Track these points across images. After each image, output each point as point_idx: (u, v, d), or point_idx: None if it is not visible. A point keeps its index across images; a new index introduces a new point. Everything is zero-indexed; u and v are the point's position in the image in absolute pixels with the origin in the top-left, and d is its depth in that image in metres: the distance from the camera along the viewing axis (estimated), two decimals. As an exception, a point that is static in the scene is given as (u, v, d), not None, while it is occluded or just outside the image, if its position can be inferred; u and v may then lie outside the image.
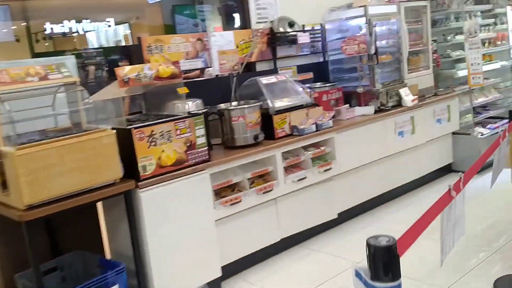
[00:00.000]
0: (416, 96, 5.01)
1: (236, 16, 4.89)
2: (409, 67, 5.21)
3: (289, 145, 3.96)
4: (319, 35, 5.10)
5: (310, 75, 4.74)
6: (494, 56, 6.28)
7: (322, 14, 5.08)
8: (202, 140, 3.42)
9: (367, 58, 4.76)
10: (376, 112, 4.72)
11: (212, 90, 4.15)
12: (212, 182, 3.48)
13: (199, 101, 3.77)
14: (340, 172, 4.35)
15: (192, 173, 3.34)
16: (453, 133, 5.64)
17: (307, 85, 4.63)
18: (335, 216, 4.41)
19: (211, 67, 4.33)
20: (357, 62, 4.98)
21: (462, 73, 5.68)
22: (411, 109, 4.96)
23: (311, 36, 4.89)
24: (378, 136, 4.70)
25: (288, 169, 4.02)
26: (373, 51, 4.66)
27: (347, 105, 4.66)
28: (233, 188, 3.71)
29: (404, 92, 4.96)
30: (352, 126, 4.45)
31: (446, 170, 5.69)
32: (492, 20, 6.24)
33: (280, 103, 4.07)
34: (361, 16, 4.76)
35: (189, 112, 3.51)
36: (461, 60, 5.82)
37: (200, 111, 3.58)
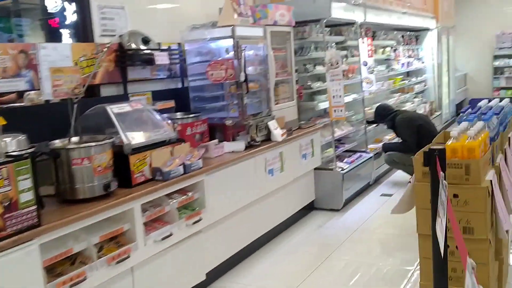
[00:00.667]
0: (285, 130, 4.54)
1: (65, 32, 3.83)
2: (275, 97, 4.73)
3: (151, 194, 3.05)
4: (178, 56, 4.31)
5: (171, 103, 3.90)
6: (346, 88, 6.23)
7: (181, 32, 4.31)
8: (28, 196, 2.32)
9: (236, 85, 4.12)
10: (246, 148, 4.08)
11: (41, 121, 3.04)
12: (42, 255, 2.39)
13: (22, 137, 2.65)
14: (210, 222, 3.57)
15: (12, 247, 2.22)
16: (315, 168, 5.33)
17: (166, 115, 3.79)
18: (203, 278, 3.60)
19: (38, 89, 3.20)
20: (222, 90, 4.31)
21: (323, 105, 5.44)
22: (280, 144, 4.46)
23: (169, 57, 4.08)
24: (249, 176, 4.07)
25: (149, 225, 3.10)
26: (242, 78, 4.04)
27: (216, 140, 3.93)
28: (74, 260, 2.65)
29: (273, 125, 4.45)
30: (223, 166, 3.72)
31: (309, 208, 5.34)
32: (345, 52, 6.21)
33: (138, 139, 3.15)
34: (228, 37, 4.11)
35: (6, 154, 2.39)
36: (321, 91, 5.60)
37: (25, 152, 2.48)
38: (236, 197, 3.87)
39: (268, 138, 4.41)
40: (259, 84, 4.46)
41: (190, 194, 3.41)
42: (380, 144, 6.45)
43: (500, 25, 11.82)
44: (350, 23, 6.06)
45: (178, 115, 3.97)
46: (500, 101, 4.11)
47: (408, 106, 8.44)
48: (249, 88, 4.15)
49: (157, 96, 3.91)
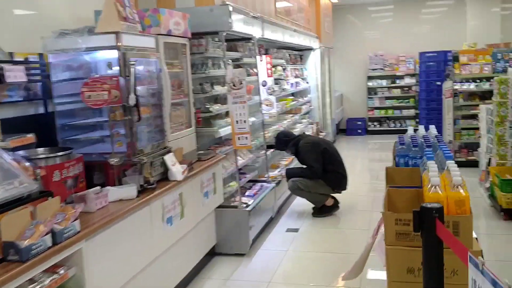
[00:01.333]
0: (185, 166, 3.63)
1: None
2: (171, 124, 3.81)
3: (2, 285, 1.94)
4: (39, 71, 3.18)
5: (30, 137, 2.74)
6: (243, 111, 5.52)
7: (44, 39, 3.18)
8: None
9: (123, 111, 3.12)
10: (139, 193, 3.09)
11: None
12: None
13: None
14: (93, 308, 2.51)
15: None
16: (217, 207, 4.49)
17: (22, 153, 2.66)
18: None
19: None
20: (103, 116, 3.28)
21: (224, 131, 4.63)
22: (179, 183, 3.53)
23: (27, 72, 2.93)
24: (144, 231, 3.08)
25: (-3, 335, 1.97)
26: (133, 102, 3.06)
27: (98, 187, 2.88)
28: None
29: (171, 160, 3.51)
30: (109, 223, 2.69)
31: (210, 254, 4.46)
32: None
33: (-25, 201, 2.01)
34: (110, 48, 3.11)
35: None
36: (220, 115, 4.80)
37: None
38: (127, 264, 2.86)
39: (165, 177, 3.47)
40: (152, 108, 3.50)
41: (62, 271, 2.33)
42: (282, 171, 5.84)
43: (372, 47, 12.24)
44: (247, 38, 5.38)
45: (41, 153, 2.85)
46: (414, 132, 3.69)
47: (298, 128, 8.04)
48: (142, 114, 3.18)
49: (9, 127, 2.73)
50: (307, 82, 9.46)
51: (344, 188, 5.79)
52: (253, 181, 5.50)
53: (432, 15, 11.97)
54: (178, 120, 3.96)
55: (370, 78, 12.18)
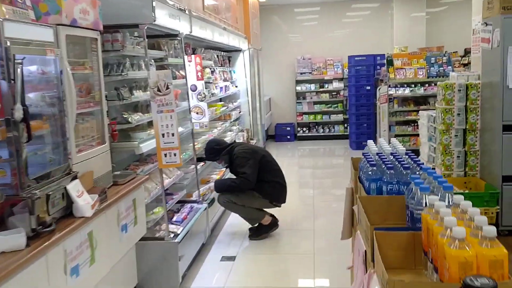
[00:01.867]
0: (96, 196, 2.80)
1: None
2: (76, 141, 2.95)
3: None
4: None
5: None
6: (169, 120, 4.73)
7: None
8: None
9: (6, 127, 2.25)
10: (30, 240, 2.24)
11: None
12: None
13: None
14: None
15: None
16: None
17: None
18: None
19: None
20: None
21: (146, 146, 3.82)
22: (88, 220, 2.70)
23: None
24: (37, 295, 2.23)
25: None
26: (19, 115, 2.20)
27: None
28: None
29: (76, 190, 2.67)
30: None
31: (131, 296, 3.65)
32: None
33: None
34: (-15, 39, 2.22)
35: None
36: (141, 127, 3.98)
37: None
38: None
39: (69, 212, 2.62)
40: (50, 122, 2.64)
41: None
42: (211, 185, 5.11)
43: (300, 50, 11.88)
44: (173, 35, 4.60)
45: None
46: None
47: (229, 136, 7.36)
48: (33, 130, 2.32)
49: None
50: (236, 86, 8.82)
51: (284, 201, 5.19)
52: (182, 202, 4.73)
53: (358, 18, 11.83)
54: (87, 135, 3.10)
55: (298, 82, 11.80)
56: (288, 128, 11.80)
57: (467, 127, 5.23)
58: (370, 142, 3.19)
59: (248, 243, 4.96)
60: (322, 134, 11.72)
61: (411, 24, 10.98)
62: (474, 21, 5.62)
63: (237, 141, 7.84)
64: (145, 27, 3.69)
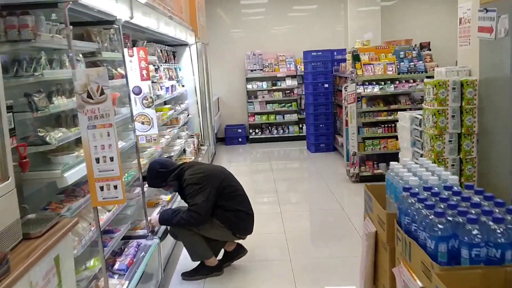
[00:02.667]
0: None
1: None
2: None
3: None
4: None
5: None
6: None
7: None
8: None
9: None
10: None
11: None
12: None
13: None
14: None
15: None
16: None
17: None
18: None
19: None
20: None
21: (73, 175, 2.71)
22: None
23: None
24: None
25: None
26: None
27: None
28: None
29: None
30: None
31: None
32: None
33: None
34: None
35: None
36: (68, 147, 2.87)
37: None
38: None
39: None
40: None
41: None
42: (155, 218, 4.03)
43: (249, 46, 10.94)
44: (108, 21, 3.50)
45: None
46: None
47: (179, 145, 6.30)
48: None
49: None
50: (183, 86, 7.75)
51: (250, 232, 4.23)
52: (127, 238, 3.65)
53: (307, 12, 11.06)
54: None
55: (249, 80, 10.86)
56: (239, 130, 10.85)
57: (462, 131, 4.51)
58: (395, 166, 2.31)
59: (208, 283, 3.96)
60: (276, 135, 10.87)
61: (366, 16, 10.35)
62: (462, 8, 4.91)
63: (187, 149, 6.81)
64: (67, 7, 2.59)
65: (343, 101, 7.16)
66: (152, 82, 5.62)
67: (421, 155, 4.95)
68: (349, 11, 10.34)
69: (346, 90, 6.88)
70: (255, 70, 10.79)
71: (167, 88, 6.21)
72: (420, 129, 4.98)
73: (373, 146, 6.89)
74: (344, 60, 8.81)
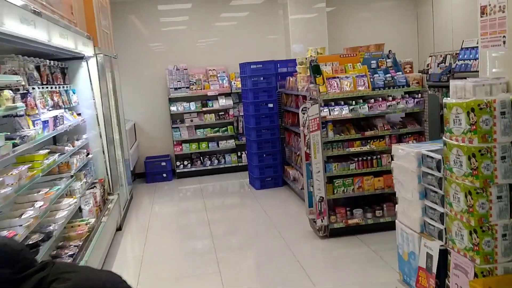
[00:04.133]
0: None
1: None
2: None
3: None
4: None
5: None
6: None
7: None
8: None
9: None
10: None
11: None
12: None
13: None
14: None
15: None
16: None
17: None
18: None
19: None
20: None
21: None
22: None
23: None
24: None
25: None
26: None
27: None
28: None
29: None
30: None
31: None
32: None
33: None
34: None
35: None
36: None
37: None
38: None
39: None
40: None
41: None
42: None
43: (171, 59, 8.93)
44: None
45: None
46: None
47: (66, 210, 4.15)
48: None
49: None
50: (79, 114, 5.58)
51: None
52: None
53: (237, 20, 9.25)
54: None
55: (172, 100, 8.81)
56: (163, 163, 8.73)
57: (520, 181, 2.82)
58: None
59: None
60: (210, 167, 8.87)
61: (310, 21, 8.73)
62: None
63: (84, 208, 4.68)
64: None
65: (301, 127, 5.35)
66: (9, 116, 3.48)
67: (441, 215, 3.21)
68: (290, 14, 8.66)
69: (305, 114, 5.07)
70: (180, 88, 8.77)
71: (45, 122, 4.05)
72: (438, 175, 3.23)
73: (345, 187, 5.12)
74: (291, 73, 7.08)
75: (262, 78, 7.38)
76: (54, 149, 4.70)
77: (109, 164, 5.91)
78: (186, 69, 8.82)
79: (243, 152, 8.79)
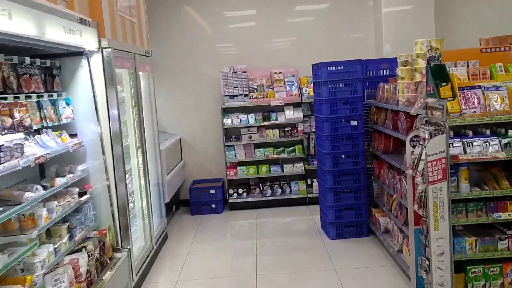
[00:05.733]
0: None
1: None
2: None
3: None
4: None
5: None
6: None
7: None
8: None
9: None
10: None
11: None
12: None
13: None
14: None
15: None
16: None
17: None
18: None
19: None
20: None
21: None
22: None
23: None
24: None
25: None
26: None
27: None
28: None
29: None
30: None
31: None
32: None
33: None
34: None
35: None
36: None
37: None
38: None
39: None
40: None
41: None
42: None
43: (228, 60, 7.10)
44: None
45: None
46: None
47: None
48: None
49: None
50: (75, 135, 3.85)
51: None
52: None
53: (319, 14, 7.20)
54: None
55: (227, 111, 6.96)
56: (213, 191, 6.88)
57: None
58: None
59: None
60: (271, 198, 6.90)
61: (411, 13, 6.51)
62: None
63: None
64: None
65: (408, 170, 3.22)
66: None
67: None
68: (384, 9, 6.50)
69: (417, 147, 2.95)
70: (236, 96, 6.89)
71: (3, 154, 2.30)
72: None
73: (487, 279, 2.92)
74: (385, 79, 4.96)
75: (342, 85, 5.29)
76: (7, 195, 2.97)
77: (117, 206, 4.12)
78: (245, 72, 6.92)
79: (314, 180, 6.74)
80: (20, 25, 2.50)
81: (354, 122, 5.30)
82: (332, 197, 5.36)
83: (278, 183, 7.01)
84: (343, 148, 5.32)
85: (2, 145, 2.68)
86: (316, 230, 5.81)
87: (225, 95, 6.88)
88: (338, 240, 5.35)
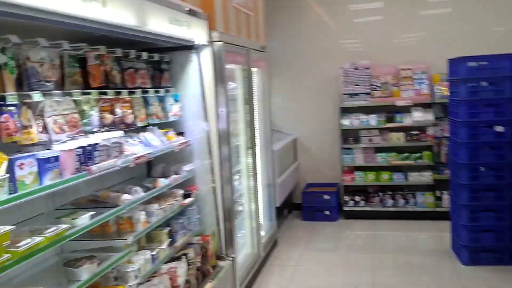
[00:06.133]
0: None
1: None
2: None
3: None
4: None
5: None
6: None
7: None
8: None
9: None
10: None
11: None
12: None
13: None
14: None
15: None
16: None
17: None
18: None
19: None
20: None
21: None
22: None
23: None
24: None
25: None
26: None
27: None
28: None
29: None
30: None
31: None
32: None
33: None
34: None
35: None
36: None
37: None
38: None
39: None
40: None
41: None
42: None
43: (350, 54, 6.55)
44: None
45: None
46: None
47: None
48: None
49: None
50: (181, 133, 3.66)
51: None
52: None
53: (457, 3, 6.32)
54: None
55: (345, 111, 6.40)
56: (327, 197, 6.39)
57: None
58: None
59: None
60: (392, 209, 6.22)
61: None
62: None
63: None
64: None
65: None
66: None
67: None
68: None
69: None
70: (356, 94, 6.31)
71: (46, 160, 2.13)
72: None
73: None
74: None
75: (486, 83, 4.46)
76: (104, 196, 2.81)
77: (223, 210, 3.85)
78: (369, 68, 6.31)
79: (444, 192, 5.91)
80: (116, 13, 2.28)
81: (499, 128, 4.44)
82: (467, 215, 4.56)
83: (401, 192, 6.28)
84: (484, 159, 4.49)
85: (98, 143, 2.50)
86: (445, 251, 5.03)
87: (344, 94, 6.33)
88: (473, 266, 4.54)
